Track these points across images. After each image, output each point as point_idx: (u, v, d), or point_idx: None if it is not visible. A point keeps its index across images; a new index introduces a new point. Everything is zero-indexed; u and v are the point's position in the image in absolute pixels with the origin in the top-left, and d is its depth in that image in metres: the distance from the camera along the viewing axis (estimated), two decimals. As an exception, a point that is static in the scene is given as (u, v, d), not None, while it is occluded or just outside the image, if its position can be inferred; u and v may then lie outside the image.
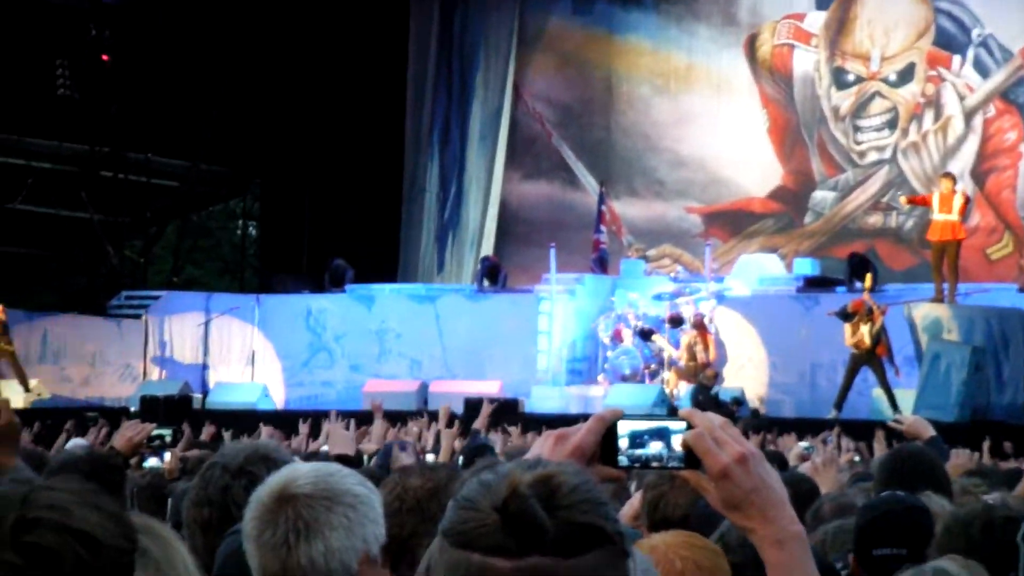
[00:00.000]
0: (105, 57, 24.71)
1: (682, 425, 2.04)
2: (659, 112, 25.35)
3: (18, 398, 19.59)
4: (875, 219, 24.08)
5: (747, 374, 20.83)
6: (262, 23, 25.35)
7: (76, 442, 9.95)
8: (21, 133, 24.74)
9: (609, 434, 2.05)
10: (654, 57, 25.50)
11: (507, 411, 18.33)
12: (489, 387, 20.62)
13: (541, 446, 2.05)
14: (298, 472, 2.87)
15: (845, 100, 24.27)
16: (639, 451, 2.06)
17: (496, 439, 11.23)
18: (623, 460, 2.06)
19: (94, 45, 24.60)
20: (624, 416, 2.06)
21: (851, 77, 24.28)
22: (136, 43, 24.77)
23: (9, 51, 23.60)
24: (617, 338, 21.42)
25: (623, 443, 2.05)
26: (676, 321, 20.99)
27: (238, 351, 23.59)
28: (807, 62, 24.53)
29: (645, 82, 25.54)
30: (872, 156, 24.13)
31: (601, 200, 23.78)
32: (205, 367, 23.45)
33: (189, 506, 3.27)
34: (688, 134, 25.08)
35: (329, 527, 2.78)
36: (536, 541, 1.74)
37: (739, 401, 19.62)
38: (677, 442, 2.04)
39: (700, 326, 20.67)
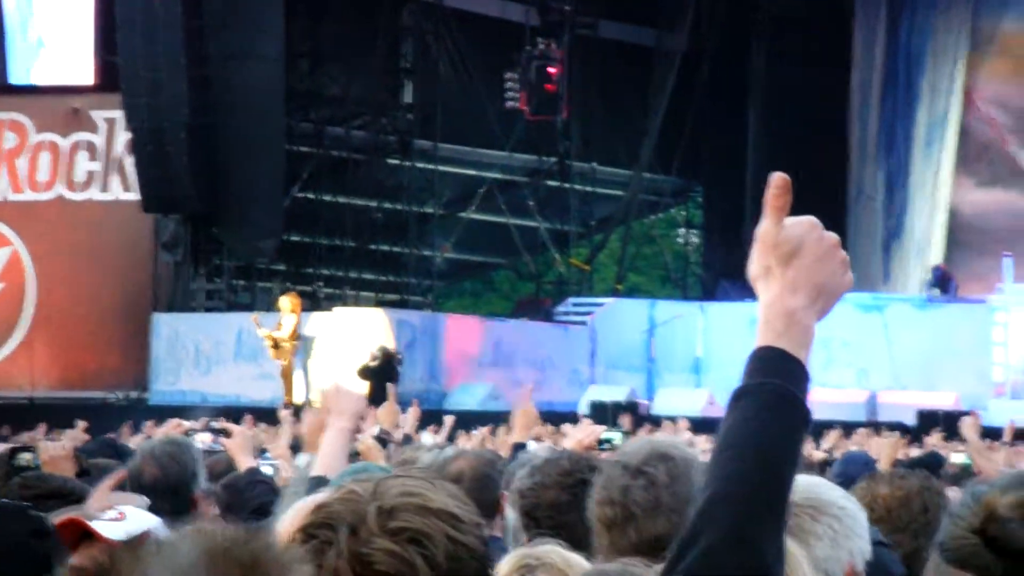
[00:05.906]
0: (552, 70, 25.43)
1: None
2: None
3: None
4: None
5: None
6: (699, 34, 25.53)
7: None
8: (473, 144, 25.76)
9: None
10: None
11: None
12: (943, 399, 20.11)
13: None
14: None
15: None
16: None
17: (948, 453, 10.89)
18: None
19: (542, 59, 25.36)
20: None
21: None
22: (581, 55, 25.41)
23: (463, 67, 24.63)
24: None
25: None
26: None
27: (682, 358, 23.82)
28: None
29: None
30: None
31: (1060, 207, 22.89)
32: (651, 374, 23.80)
33: (594, 505, 3.24)
34: None
35: (814, 536, 2.80)
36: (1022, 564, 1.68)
37: None
38: None
39: None
